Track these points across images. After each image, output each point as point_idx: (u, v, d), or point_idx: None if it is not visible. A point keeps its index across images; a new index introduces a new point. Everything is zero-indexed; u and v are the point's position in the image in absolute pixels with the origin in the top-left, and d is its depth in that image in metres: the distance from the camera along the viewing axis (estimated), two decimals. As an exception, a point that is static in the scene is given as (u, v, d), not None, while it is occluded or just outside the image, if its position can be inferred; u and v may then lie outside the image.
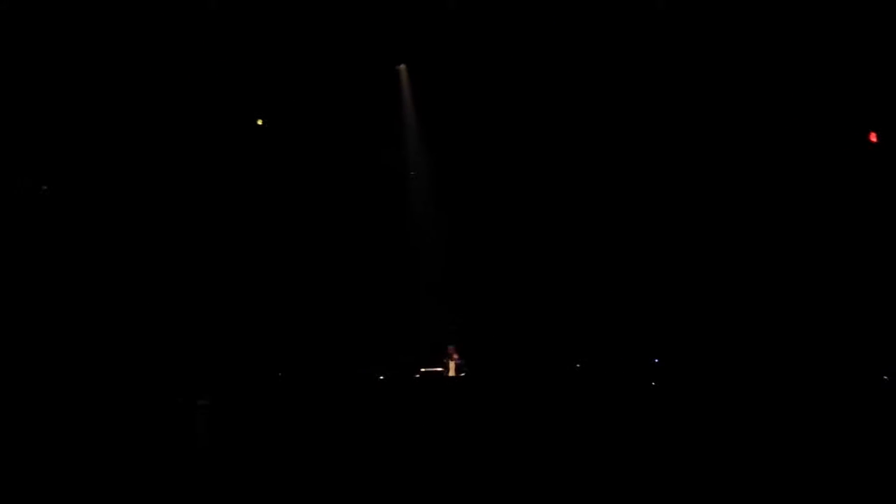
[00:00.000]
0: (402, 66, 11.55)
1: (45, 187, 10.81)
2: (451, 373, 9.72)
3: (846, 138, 10.11)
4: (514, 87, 10.99)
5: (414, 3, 10.31)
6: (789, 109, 10.24)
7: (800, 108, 10.18)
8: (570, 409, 8.81)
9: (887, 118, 9.95)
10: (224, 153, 11.14)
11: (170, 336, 10.51)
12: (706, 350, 10.19)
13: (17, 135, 10.25)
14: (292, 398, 9.35)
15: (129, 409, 9.08)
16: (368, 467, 7.53)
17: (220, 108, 10.97)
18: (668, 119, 10.65)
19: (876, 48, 9.78)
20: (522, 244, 11.20)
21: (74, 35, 10.17)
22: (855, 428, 7.54)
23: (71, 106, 10.41)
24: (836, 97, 10.00)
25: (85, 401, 9.30)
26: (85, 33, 10.19)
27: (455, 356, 9.78)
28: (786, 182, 10.30)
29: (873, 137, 10.07)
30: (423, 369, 9.70)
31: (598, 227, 11.02)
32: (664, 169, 10.71)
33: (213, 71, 10.74)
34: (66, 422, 8.62)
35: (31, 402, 9.02)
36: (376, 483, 7.06)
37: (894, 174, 9.89)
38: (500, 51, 10.79)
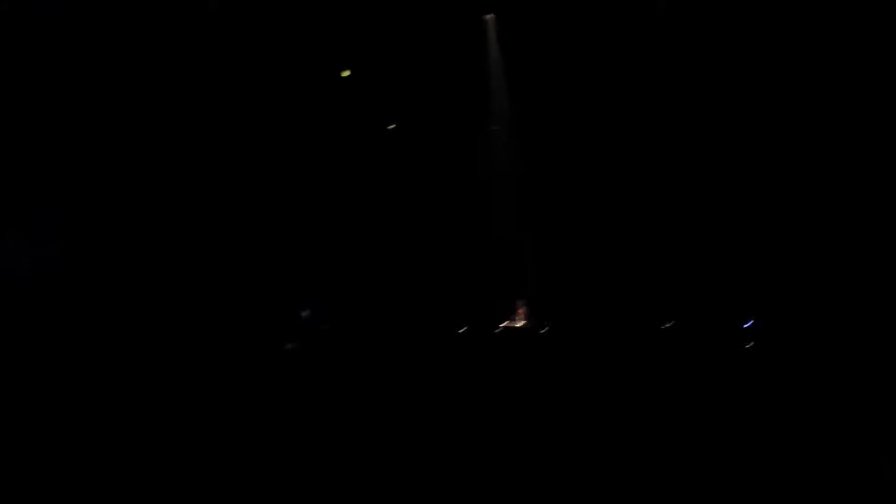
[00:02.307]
0: (490, 16, 11.36)
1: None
2: None
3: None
4: (605, 37, 10.70)
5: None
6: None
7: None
8: (655, 376, 8.57)
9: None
10: (307, 104, 11.12)
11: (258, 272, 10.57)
12: (812, 310, 9.67)
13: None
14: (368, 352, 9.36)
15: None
16: (448, 422, 7.46)
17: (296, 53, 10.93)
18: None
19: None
20: (605, 193, 10.89)
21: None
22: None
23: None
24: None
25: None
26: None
27: (523, 315, 9.63)
28: None
29: None
30: (503, 324, 9.59)
31: (689, 173, 10.59)
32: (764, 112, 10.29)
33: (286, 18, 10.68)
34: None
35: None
36: (457, 436, 6.99)
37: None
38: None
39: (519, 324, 9.59)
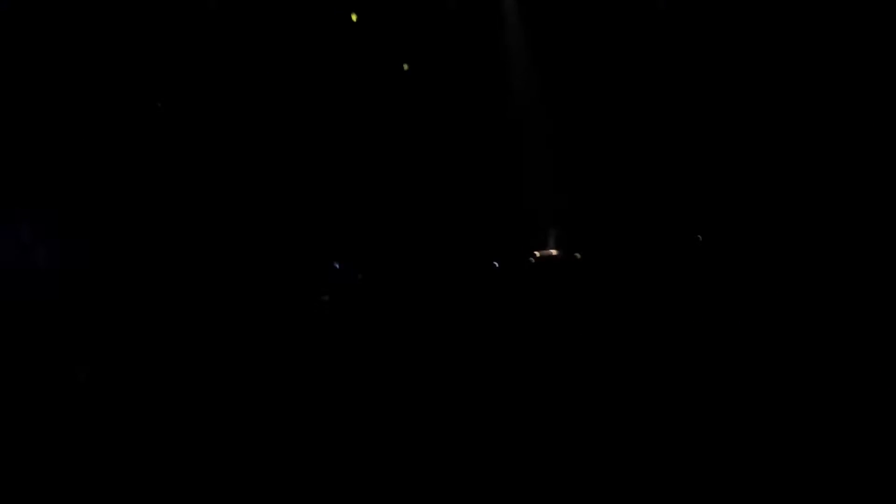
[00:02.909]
0: None
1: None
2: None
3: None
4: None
5: None
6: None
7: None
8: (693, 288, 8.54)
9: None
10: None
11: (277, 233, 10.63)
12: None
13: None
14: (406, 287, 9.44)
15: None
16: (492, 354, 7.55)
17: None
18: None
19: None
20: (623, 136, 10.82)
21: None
22: None
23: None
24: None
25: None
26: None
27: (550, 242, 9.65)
28: None
29: None
30: (538, 252, 9.61)
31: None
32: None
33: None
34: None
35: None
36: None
37: None
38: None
39: (553, 252, 9.59)
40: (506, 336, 8.23)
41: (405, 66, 11.32)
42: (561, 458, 5.56)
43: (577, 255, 9.54)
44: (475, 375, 7.19)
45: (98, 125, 10.38)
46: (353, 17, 11.40)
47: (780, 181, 10.00)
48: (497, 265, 9.64)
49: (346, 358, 8.13)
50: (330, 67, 11.13)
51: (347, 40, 11.20)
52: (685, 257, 9.38)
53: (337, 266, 10.01)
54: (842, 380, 6.02)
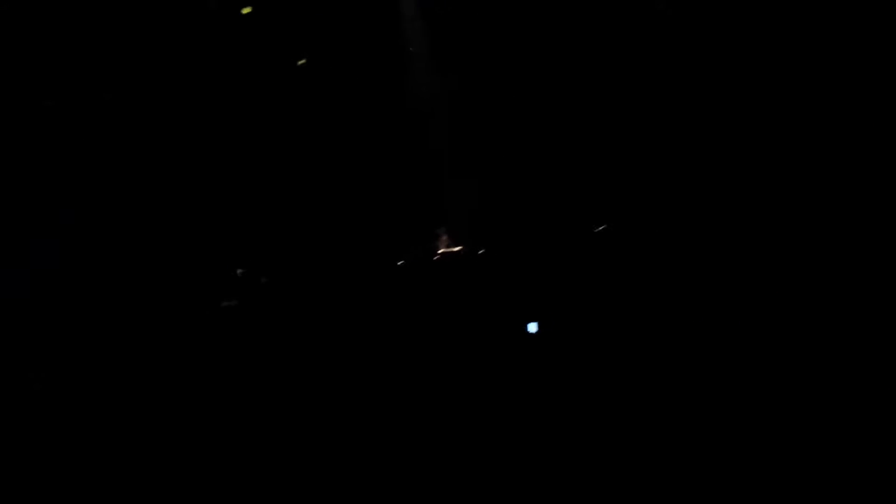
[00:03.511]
0: None
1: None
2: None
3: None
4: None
5: None
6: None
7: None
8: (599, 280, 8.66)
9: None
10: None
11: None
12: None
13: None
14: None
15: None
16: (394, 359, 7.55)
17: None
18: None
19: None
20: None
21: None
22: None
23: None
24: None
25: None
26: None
27: (447, 241, 9.65)
28: None
29: None
30: (441, 250, 9.62)
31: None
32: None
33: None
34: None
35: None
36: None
37: None
38: None
39: (455, 249, 9.59)
40: (413, 335, 8.27)
41: (300, 62, 11.20)
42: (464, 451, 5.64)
43: (481, 252, 9.59)
44: (383, 376, 7.21)
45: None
46: (246, 10, 11.23)
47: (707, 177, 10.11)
48: (401, 264, 9.64)
49: (253, 362, 8.07)
50: (222, 62, 10.97)
51: (240, 34, 11.03)
52: (587, 251, 9.51)
53: (239, 272, 9.89)
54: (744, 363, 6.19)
